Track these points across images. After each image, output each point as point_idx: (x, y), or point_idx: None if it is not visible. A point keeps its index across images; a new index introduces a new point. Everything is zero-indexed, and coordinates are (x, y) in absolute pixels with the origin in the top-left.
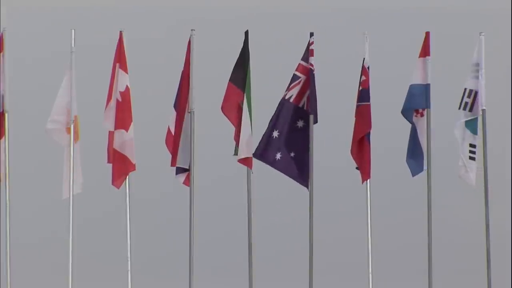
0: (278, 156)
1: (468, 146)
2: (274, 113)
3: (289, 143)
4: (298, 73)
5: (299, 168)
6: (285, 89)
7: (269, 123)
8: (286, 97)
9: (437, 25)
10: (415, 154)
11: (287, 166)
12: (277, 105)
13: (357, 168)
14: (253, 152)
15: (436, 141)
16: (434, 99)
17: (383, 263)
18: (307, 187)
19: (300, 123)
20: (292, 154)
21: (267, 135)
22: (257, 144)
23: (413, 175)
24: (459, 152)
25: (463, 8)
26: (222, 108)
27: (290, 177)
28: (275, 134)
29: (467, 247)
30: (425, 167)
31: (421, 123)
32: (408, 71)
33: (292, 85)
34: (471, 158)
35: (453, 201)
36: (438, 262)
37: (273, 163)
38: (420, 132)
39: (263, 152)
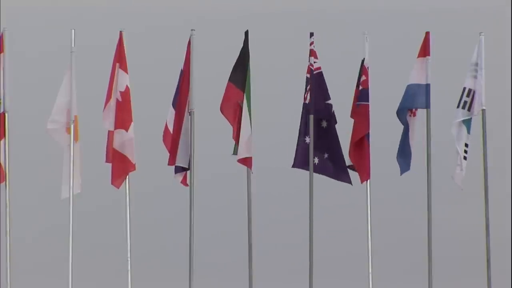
0: (316, 160)
1: (464, 145)
2: (301, 119)
3: (320, 145)
4: (308, 75)
5: (336, 166)
6: (304, 93)
7: (299, 130)
8: (306, 101)
9: (437, 25)
10: (404, 153)
11: (325, 167)
12: (277, 105)
13: (349, 166)
14: (292, 163)
15: (434, 141)
16: (433, 99)
17: (383, 263)
18: (350, 183)
19: (324, 123)
20: (326, 155)
21: (301, 143)
22: (257, 144)
23: (401, 173)
24: (456, 150)
25: (463, 8)
26: (220, 108)
27: (330, 177)
28: (307, 139)
29: (467, 247)
30: (426, 165)
31: (412, 123)
32: (408, 71)
33: (307, 88)
34: (464, 157)
35: (452, 201)
36: (438, 262)
37: (314, 169)
38: (411, 132)
39: (301, 159)
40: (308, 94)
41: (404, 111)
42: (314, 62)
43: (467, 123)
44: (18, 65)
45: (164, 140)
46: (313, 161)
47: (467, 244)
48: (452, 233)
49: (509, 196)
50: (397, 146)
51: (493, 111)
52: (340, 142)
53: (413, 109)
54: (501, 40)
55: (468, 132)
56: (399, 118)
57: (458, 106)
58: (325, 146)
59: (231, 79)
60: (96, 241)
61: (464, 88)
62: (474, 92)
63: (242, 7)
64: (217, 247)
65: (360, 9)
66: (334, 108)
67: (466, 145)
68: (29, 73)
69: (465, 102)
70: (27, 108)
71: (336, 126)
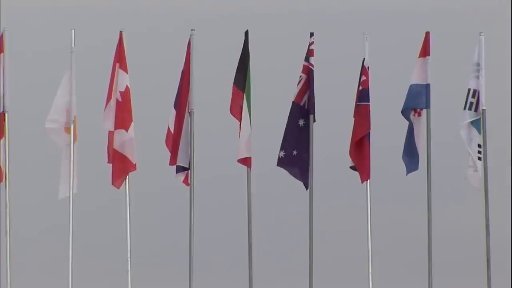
0: (282, 153)
1: (477, 146)
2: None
3: (292, 141)
4: (302, 74)
5: (300, 166)
6: (296, 92)
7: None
8: (301, 102)
9: (437, 25)
10: (410, 153)
11: (290, 163)
12: (277, 105)
13: (351, 167)
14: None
15: (435, 140)
16: (433, 99)
17: (383, 263)
18: (306, 187)
19: (301, 122)
20: (294, 153)
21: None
22: (257, 144)
23: (407, 173)
24: (467, 152)
25: (463, 8)
26: (230, 110)
27: (292, 175)
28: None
29: (467, 247)
30: (426, 165)
31: (417, 123)
32: (408, 71)
33: (297, 85)
34: (479, 158)
35: (452, 201)
36: (438, 262)
37: (278, 161)
38: (416, 132)
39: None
40: (306, 94)
41: (408, 111)
42: (313, 62)
43: (476, 123)
44: (18, 65)
45: (166, 143)
46: (279, 154)
47: (467, 244)
48: (452, 233)
49: (509, 196)
50: (397, 146)
51: (493, 111)
52: (340, 142)
53: (418, 109)
54: (501, 40)
55: (479, 132)
56: (405, 117)
57: (464, 108)
58: (297, 144)
59: (234, 81)
60: (96, 241)
61: (469, 90)
62: (479, 92)
63: (242, 7)
64: (217, 247)
65: (360, 9)
66: (329, 108)
67: (479, 145)
68: (29, 73)
69: (471, 103)
70: (27, 108)
71: (336, 126)
